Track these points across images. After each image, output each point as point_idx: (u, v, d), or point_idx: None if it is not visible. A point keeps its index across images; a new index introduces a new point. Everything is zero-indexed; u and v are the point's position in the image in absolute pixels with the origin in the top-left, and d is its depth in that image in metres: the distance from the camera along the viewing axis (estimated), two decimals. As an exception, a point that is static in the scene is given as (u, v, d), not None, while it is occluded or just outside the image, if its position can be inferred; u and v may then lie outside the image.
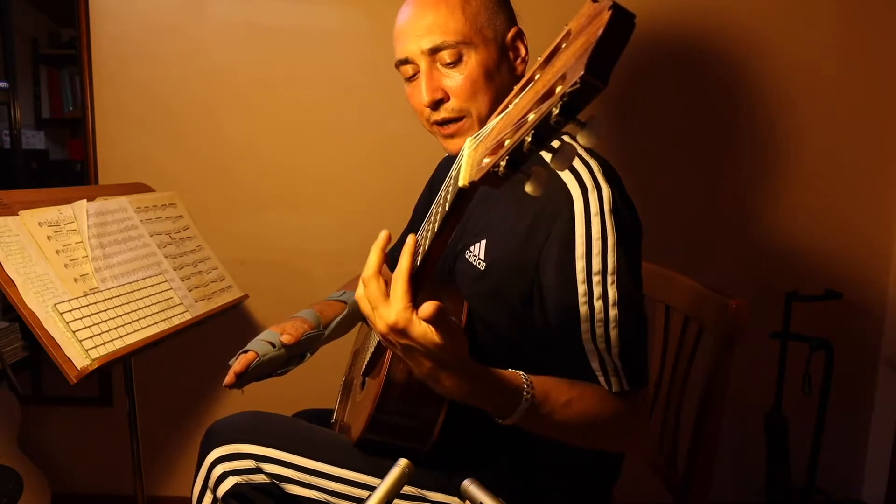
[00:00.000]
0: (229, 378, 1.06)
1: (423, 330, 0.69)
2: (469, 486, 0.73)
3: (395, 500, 0.73)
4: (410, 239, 0.73)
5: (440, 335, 0.69)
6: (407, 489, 0.98)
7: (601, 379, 0.89)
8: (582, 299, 0.88)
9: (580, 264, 0.88)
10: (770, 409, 1.80)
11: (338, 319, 1.21)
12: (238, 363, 1.07)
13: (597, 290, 0.88)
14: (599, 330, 0.88)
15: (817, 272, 1.88)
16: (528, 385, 0.80)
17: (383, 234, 0.78)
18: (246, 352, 1.09)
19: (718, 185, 1.87)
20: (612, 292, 0.88)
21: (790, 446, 1.77)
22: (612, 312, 0.88)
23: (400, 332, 0.70)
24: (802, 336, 1.76)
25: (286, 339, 1.11)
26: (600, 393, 0.89)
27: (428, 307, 0.68)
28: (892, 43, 1.81)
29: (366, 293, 0.74)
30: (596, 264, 0.88)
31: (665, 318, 1.29)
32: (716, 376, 1.07)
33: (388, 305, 0.71)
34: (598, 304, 0.88)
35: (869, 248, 1.89)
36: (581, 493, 1.04)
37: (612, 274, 0.88)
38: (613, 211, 0.89)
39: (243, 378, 1.07)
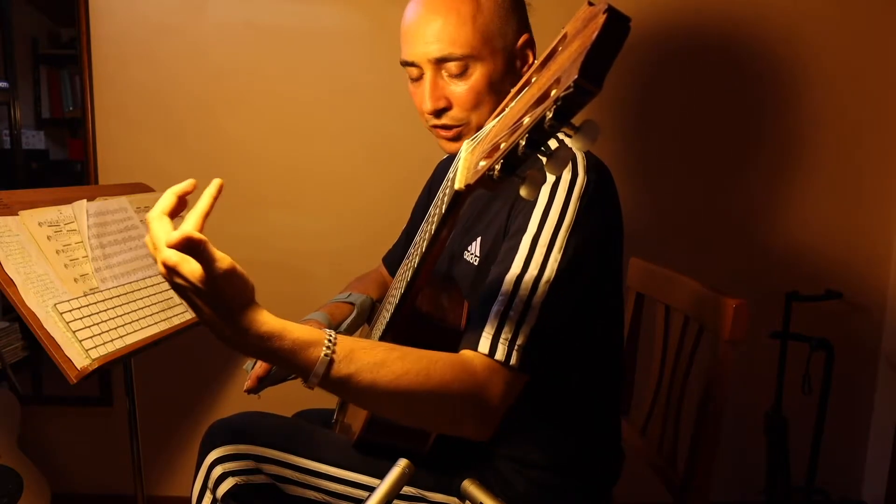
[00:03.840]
0: (251, 383, 1.05)
1: (192, 267, 0.65)
2: (469, 486, 0.74)
3: (395, 500, 0.73)
4: (216, 183, 0.70)
5: (206, 272, 0.64)
6: (407, 489, 0.98)
7: (482, 342, 0.83)
8: (518, 262, 0.86)
9: (530, 231, 0.87)
10: (770, 409, 1.80)
11: (348, 321, 1.21)
12: (260, 367, 1.06)
13: (536, 259, 0.86)
14: (521, 296, 0.85)
15: (817, 272, 1.88)
16: (330, 341, 0.74)
17: (189, 182, 0.72)
18: None
19: (719, 185, 1.87)
20: (550, 268, 0.85)
21: (790, 446, 1.77)
22: (543, 288, 0.85)
23: (172, 269, 0.65)
24: (802, 336, 1.76)
25: None
26: (434, 355, 0.80)
27: (175, 235, 0.63)
28: (893, 43, 1.81)
29: (150, 233, 0.68)
30: (545, 236, 0.86)
31: (665, 318, 1.29)
32: (716, 376, 1.07)
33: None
34: (530, 272, 0.85)
35: (869, 248, 1.89)
36: (581, 493, 1.04)
37: (558, 252, 0.86)
38: (581, 197, 0.88)
39: (264, 382, 1.06)
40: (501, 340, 0.83)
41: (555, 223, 0.87)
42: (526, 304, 0.84)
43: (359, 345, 0.76)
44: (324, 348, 0.73)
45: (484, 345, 0.83)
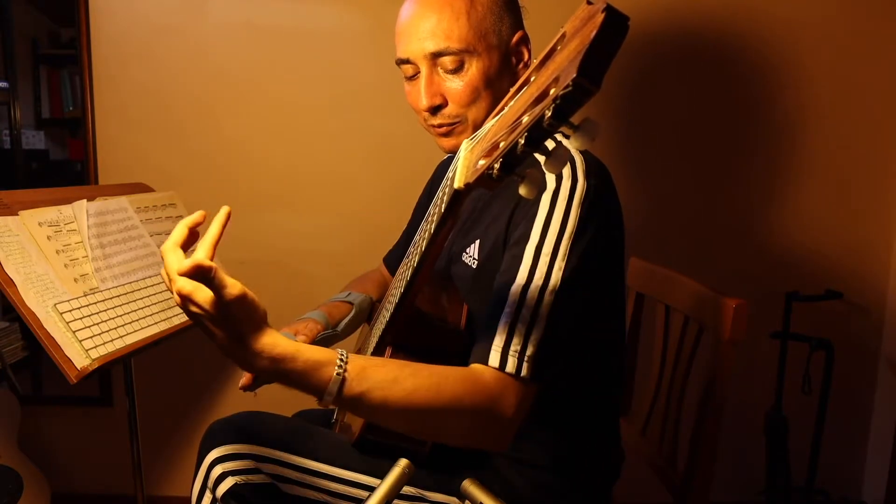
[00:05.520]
0: (245, 380, 1.06)
1: (205, 295, 0.67)
2: (469, 486, 0.74)
3: (395, 500, 0.73)
4: (224, 210, 0.72)
5: (219, 299, 0.67)
6: (407, 489, 0.98)
7: (492, 356, 0.84)
8: (522, 272, 0.86)
9: (533, 240, 0.87)
10: (770, 409, 1.80)
11: (346, 319, 1.21)
12: None
13: (540, 270, 0.86)
14: (528, 307, 0.85)
15: (817, 272, 1.88)
16: (342, 360, 0.76)
17: (198, 214, 0.75)
18: None
19: (719, 185, 1.87)
20: (554, 277, 0.85)
21: (790, 446, 1.77)
22: (548, 298, 0.85)
23: (186, 298, 0.68)
24: (802, 336, 1.76)
25: (301, 339, 1.11)
26: (443, 371, 0.82)
27: (185, 264, 0.66)
28: (893, 44, 1.81)
29: (165, 265, 0.71)
30: (548, 245, 0.86)
31: (665, 318, 1.29)
32: (716, 376, 1.07)
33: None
34: (535, 283, 0.85)
35: (869, 248, 1.89)
36: (581, 493, 1.04)
37: (562, 260, 0.86)
38: (582, 204, 0.88)
39: (259, 380, 1.07)
40: (511, 353, 0.84)
41: (557, 231, 0.87)
42: (533, 314, 0.85)
43: (371, 363, 0.78)
44: (336, 367, 0.74)
45: (494, 358, 0.84)
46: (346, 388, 0.75)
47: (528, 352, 0.84)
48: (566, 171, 0.90)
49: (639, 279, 1.41)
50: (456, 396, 0.80)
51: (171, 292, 0.71)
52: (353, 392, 0.75)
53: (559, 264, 0.86)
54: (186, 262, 0.66)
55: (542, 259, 0.86)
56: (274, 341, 0.72)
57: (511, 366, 0.83)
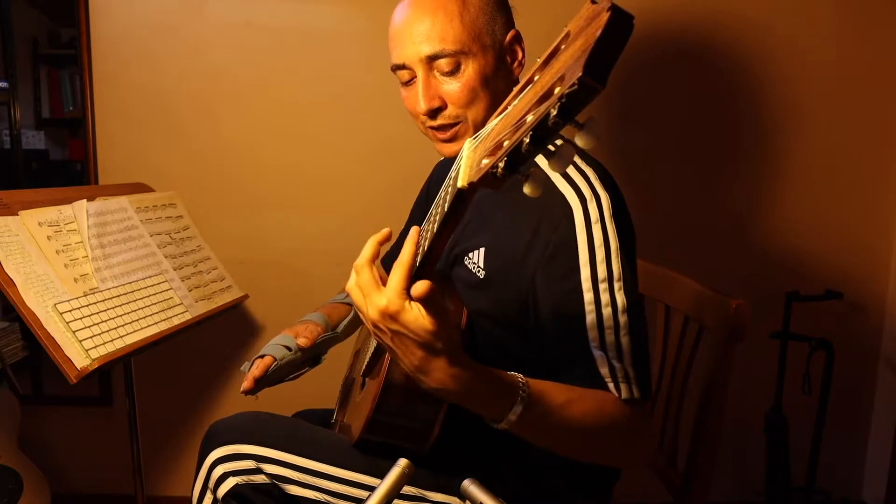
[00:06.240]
0: (248, 384, 1.06)
1: (415, 315, 0.66)
2: (469, 486, 0.73)
3: (395, 500, 0.73)
4: (414, 230, 0.72)
5: (432, 319, 0.67)
6: (407, 489, 0.98)
7: (611, 386, 0.86)
8: (589, 307, 0.87)
9: (585, 272, 0.88)
10: (770, 409, 1.80)
11: (346, 321, 1.21)
12: (256, 368, 1.07)
13: (604, 298, 0.87)
14: (610, 337, 0.87)
15: (817, 272, 1.88)
16: (523, 383, 0.77)
17: (385, 230, 0.77)
18: (262, 356, 1.09)
19: (719, 185, 1.87)
20: (620, 299, 0.87)
21: (790, 446, 1.77)
22: (623, 319, 0.87)
23: (391, 316, 0.67)
24: (802, 336, 1.76)
25: (302, 342, 1.11)
26: (602, 396, 0.86)
27: (421, 285, 0.66)
28: (892, 44, 1.81)
29: (357, 281, 0.72)
30: (601, 271, 0.87)
31: (665, 318, 1.29)
32: (716, 376, 1.07)
33: (382, 292, 0.69)
34: (606, 311, 0.87)
35: (869, 249, 1.90)
36: (581, 493, 1.04)
37: (619, 280, 0.88)
38: (614, 217, 0.89)
39: (261, 383, 1.07)
40: (620, 381, 0.86)
41: (604, 255, 0.88)
42: (617, 339, 0.87)
43: (547, 386, 0.80)
44: (519, 391, 0.76)
45: (615, 391, 0.86)
46: (527, 411, 0.76)
47: (632, 374, 0.87)
48: (585, 190, 0.90)
49: (639, 279, 1.41)
50: (614, 421, 0.85)
51: (361, 308, 0.71)
52: (533, 414, 0.77)
53: (618, 285, 0.88)
54: (421, 285, 0.66)
55: (601, 286, 0.87)
56: (466, 362, 0.72)
57: (625, 392, 0.86)
